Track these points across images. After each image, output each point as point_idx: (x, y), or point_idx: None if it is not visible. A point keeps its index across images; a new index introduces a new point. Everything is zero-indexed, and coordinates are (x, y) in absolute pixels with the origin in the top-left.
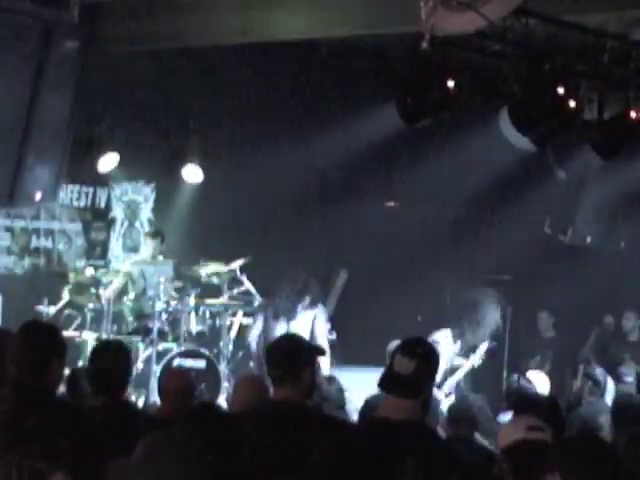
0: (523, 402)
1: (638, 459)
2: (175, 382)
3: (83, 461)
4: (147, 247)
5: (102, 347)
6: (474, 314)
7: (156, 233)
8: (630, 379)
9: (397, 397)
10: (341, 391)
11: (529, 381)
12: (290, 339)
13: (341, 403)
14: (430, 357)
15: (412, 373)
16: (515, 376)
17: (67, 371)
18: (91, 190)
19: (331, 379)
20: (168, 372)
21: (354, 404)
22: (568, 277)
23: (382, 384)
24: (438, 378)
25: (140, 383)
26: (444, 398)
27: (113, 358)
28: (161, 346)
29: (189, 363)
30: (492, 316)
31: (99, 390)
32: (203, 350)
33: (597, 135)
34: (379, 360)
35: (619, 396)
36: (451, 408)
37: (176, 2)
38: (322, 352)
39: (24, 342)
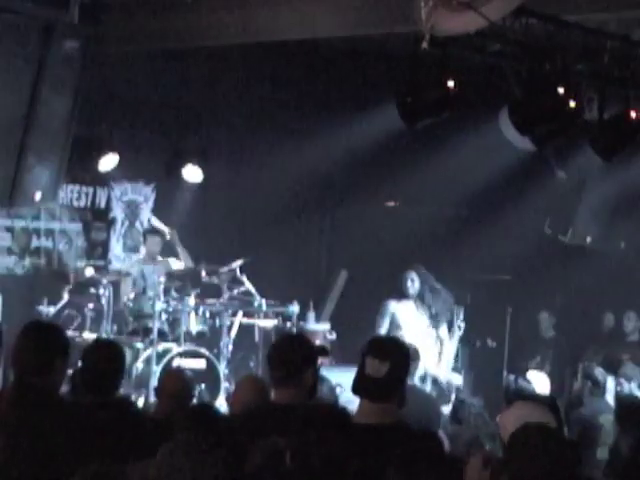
0: None
1: None
2: (172, 382)
3: (85, 461)
4: (148, 244)
5: (94, 346)
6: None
7: (155, 231)
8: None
9: (372, 402)
10: (332, 391)
11: (527, 381)
12: (292, 340)
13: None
14: (402, 358)
15: (385, 376)
16: (512, 376)
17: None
18: (91, 190)
19: (321, 379)
20: (165, 372)
21: (354, 404)
22: (568, 277)
23: (356, 389)
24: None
25: (140, 383)
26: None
27: (104, 357)
28: (161, 346)
29: (189, 363)
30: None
31: (90, 389)
32: (203, 350)
33: (597, 135)
34: None
35: (622, 396)
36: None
37: (176, 2)
38: (325, 352)
39: (27, 342)
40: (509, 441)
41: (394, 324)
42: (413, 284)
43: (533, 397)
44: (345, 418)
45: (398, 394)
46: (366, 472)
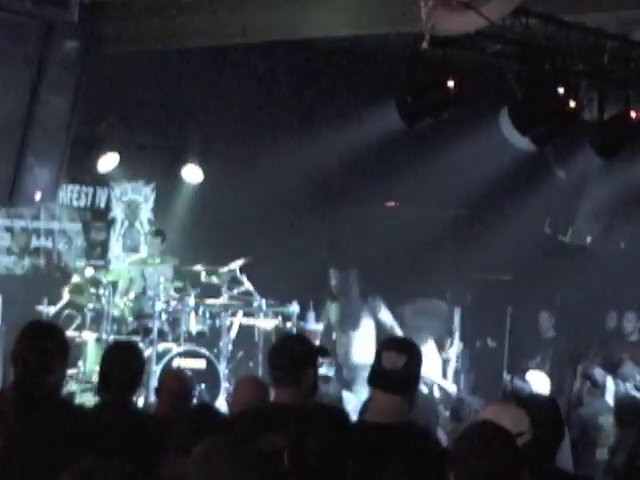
0: (520, 403)
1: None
2: (170, 382)
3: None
4: (148, 247)
5: (114, 347)
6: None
7: (157, 233)
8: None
9: (387, 393)
10: (337, 391)
11: (525, 381)
12: (292, 339)
13: (338, 403)
14: (418, 353)
15: (402, 368)
16: (509, 377)
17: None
18: (91, 190)
19: (327, 379)
20: (165, 372)
21: (355, 404)
22: (568, 277)
23: (372, 381)
24: (440, 372)
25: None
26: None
27: (124, 358)
28: (161, 346)
29: (189, 363)
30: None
31: (108, 390)
32: (203, 350)
33: (597, 135)
34: None
35: (621, 396)
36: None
37: (176, 2)
38: (325, 353)
39: (27, 342)
40: (456, 438)
41: (330, 324)
42: (336, 282)
43: (531, 397)
44: (344, 418)
45: (412, 389)
46: (365, 472)
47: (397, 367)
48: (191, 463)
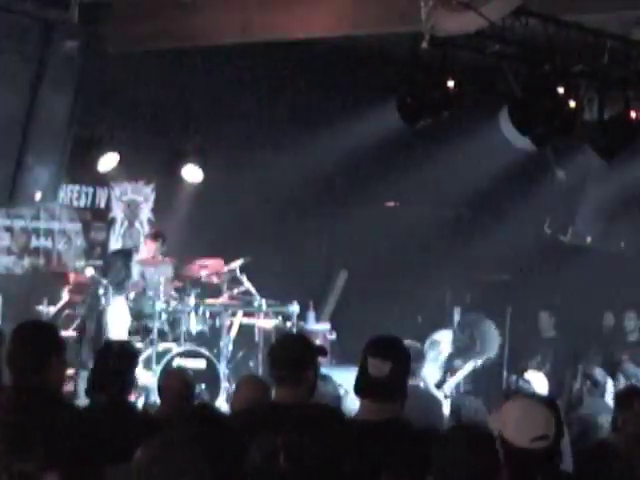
0: None
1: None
2: (173, 382)
3: (83, 462)
4: (148, 249)
5: (105, 348)
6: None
7: (157, 235)
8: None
9: (375, 402)
10: (335, 390)
11: (528, 382)
12: (294, 339)
13: (336, 402)
14: (403, 356)
15: (388, 375)
16: (514, 377)
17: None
18: (91, 190)
19: (325, 378)
20: (166, 372)
21: (355, 405)
22: (568, 277)
23: (358, 390)
24: (437, 377)
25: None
26: (444, 399)
27: (115, 358)
28: (161, 346)
29: (189, 363)
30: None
31: (103, 390)
32: (203, 350)
33: (597, 135)
34: None
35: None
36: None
37: (176, 2)
38: (324, 353)
39: (21, 341)
40: (435, 441)
41: None
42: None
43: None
44: (340, 417)
45: (401, 393)
46: (361, 471)
47: (383, 374)
48: (132, 469)
